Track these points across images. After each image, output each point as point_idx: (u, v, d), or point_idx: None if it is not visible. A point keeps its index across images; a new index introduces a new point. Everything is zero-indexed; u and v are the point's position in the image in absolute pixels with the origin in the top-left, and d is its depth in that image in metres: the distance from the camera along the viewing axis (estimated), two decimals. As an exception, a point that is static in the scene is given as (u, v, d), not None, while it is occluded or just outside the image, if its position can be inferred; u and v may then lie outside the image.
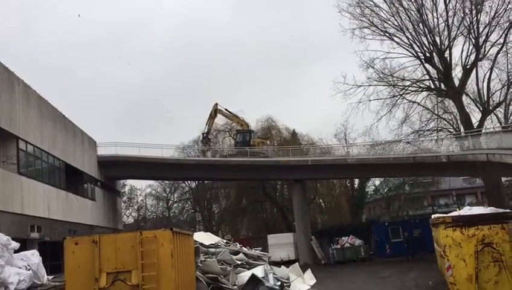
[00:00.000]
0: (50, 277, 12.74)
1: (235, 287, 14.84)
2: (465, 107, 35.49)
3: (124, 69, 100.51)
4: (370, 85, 36.48)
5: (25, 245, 18.82)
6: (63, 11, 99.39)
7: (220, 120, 48.31)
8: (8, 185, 22.47)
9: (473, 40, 34.62)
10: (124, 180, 50.96)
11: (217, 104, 44.64)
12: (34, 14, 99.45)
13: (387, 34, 36.23)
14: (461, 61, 35.25)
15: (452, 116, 37.22)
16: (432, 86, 36.59)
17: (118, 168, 38.79)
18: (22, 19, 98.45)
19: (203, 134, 44.95)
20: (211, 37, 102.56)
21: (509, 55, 34.40)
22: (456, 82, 35.47)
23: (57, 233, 26.51)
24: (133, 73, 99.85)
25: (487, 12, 34.06)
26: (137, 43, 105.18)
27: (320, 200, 55.78)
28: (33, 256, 11.69)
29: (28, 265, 11.06)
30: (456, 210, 17.66)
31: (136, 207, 60.36)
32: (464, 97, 35.80)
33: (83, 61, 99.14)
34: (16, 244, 11.17)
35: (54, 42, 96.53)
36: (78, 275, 9.78)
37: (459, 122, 36.21)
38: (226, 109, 45.21)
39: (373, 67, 36.28)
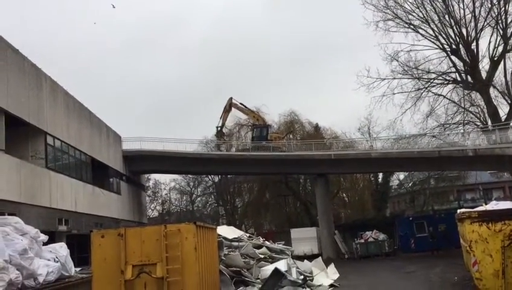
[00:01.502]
0: (77, 269, 13.02)
1: (258, 280, 14.94)
2: (493, 100, 34.80)
3: (152, 66, 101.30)
4: (394, 78, 36.11)
5: (53, 238, 19.24)
6: (96, 9, 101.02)
7: (242, 115, 48.45)
8: (37, 179, 23.05)
9: (501, 31, 33.84)
10: (148, 175, 51.63)
11: (231, 98, 44.42)
12: (68, 11, 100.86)
13: (411, 26, 35.71)
14: (488, 53, 34.59)
15: (479, 109, 36.59)
16: (458, 79, 35.93)
17: (142, 163, 39.31)
18: (63, 13, 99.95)
19: (217, 128, 44.94)
20: (239, 34, 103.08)
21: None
22: (484, 74, 34.74)
23: (83, 226, 27.08)
24: (161, 71, 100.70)
25: (516, 2, 33.27)
26: (166, 41, 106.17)
27: (344, 195, 55.44)
28: (61, 248, 11.92)
29: (56, 257, 11.28)
30: (482, 205, 17.37)
31: (160, 201, 61.37)
32: (492, 90, 35.11)
33: (111, 58, 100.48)
34: (44, 237, 11.41)
35: (85, 41, 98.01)
36: (104, 268, 9.96)
37: (486, 115, 35.50)
38: (241, 103, 44.94)
39: (397, 60, 35.91)
